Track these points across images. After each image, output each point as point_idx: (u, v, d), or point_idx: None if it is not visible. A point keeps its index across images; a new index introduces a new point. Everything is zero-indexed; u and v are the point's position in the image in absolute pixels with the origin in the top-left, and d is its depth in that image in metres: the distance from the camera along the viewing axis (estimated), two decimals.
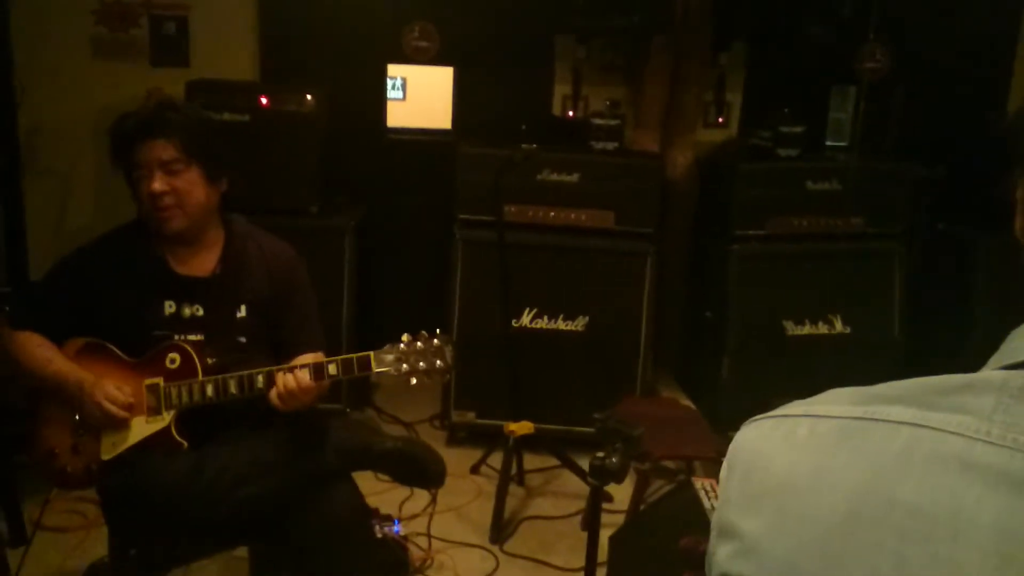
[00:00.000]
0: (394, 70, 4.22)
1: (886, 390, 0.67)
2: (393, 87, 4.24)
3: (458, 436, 3.83)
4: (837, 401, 0.69)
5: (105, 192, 4.13)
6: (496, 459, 3.50)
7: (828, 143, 4.23)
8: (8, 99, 3.78)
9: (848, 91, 4.25)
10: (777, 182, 3.73)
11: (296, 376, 2.09)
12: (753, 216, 3.73)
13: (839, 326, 3.79)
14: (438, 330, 2.17)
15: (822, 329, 3.78)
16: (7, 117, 3.78)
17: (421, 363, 2.12)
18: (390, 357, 2.12)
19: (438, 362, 2.13)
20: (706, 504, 2.03)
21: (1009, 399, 0.61)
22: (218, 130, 2.30)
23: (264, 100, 3.66)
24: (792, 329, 3.77)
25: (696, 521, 1.96)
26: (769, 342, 3.76)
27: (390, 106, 4.26)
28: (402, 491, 3.32)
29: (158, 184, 2.12)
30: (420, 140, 4.30)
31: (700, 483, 2.12)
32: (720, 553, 0.72)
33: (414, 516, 3.24)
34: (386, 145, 4.25)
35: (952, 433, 0.60)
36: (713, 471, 2.85)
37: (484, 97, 4.22)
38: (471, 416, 3.77)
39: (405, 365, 2.12)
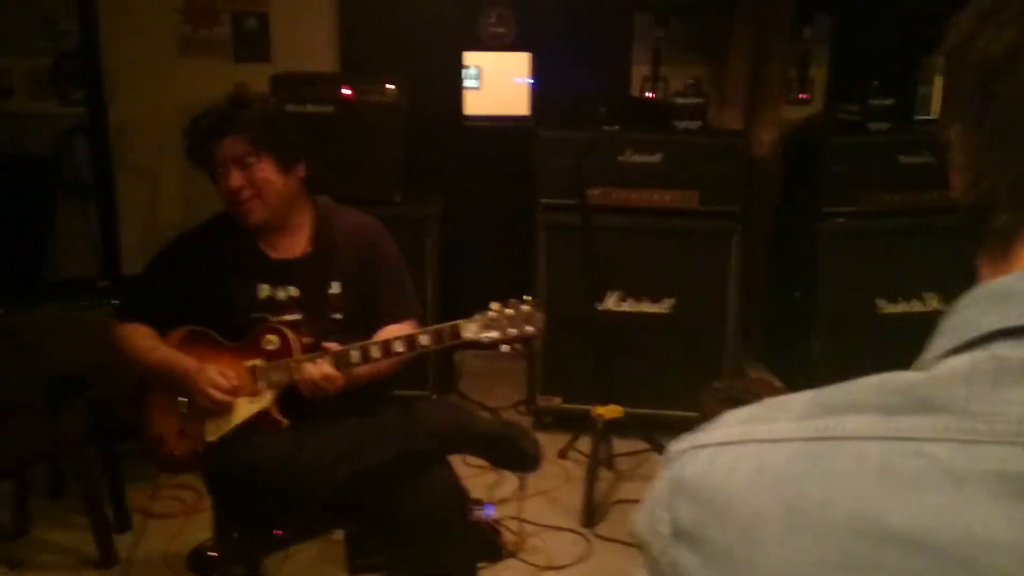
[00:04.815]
0: (469, 59, 4.21)
1: (831, 397, 0.56)
2: (468, 76, 4.24)
3: (544, 421, 3.81)
4: (776, 417, 0.57)
5: (193, 187, 4.22)
6: (583, 443, 3.49)
7: (917, 117, 4.10)
8: (99, 98, 3.88)
9: (939, 62, 4.12)
10: (868, 157, 3.62)
11: (318, 365, 2.13)
12: (843, 192, 3.64)
13: (934, 303, 3.67)
14: (526, 296, 2.17)
15: (916, 307, 3.67)
16: (99, 115, 3.88)
17: (511, 328, 2.12)
18: (479, 324, 2.12)
19: (527, 327, 2.13)
20: None
21: (982, 386, 0.51)
22: (289, 119, 2.34)
23: (347, 91, 3.69)
24: (885, 307, 3.67)
25: None
26: (862, 321, 3.66)
27: (466, 95, 4.26)
28: (490, 476, 3.33)
29: (234, 180, 2.19)
30: (497, 127, 4.30)
31: None
32: None
33: (504, 501, 3.24)
34: (464, 133, 4.26)
35: (930, 440, 0.50)
36: None
37: (562, 81, 4.19)
38: (557, 401, 3.75)
39: (495, 332, 2.12)
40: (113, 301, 3.24)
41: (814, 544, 0.51)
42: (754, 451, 0.57)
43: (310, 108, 3.62)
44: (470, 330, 2.12)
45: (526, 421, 3.84)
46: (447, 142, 4.26)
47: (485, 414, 3.91)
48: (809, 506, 0.52)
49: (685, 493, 0.60)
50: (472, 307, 2.18)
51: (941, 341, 0.56)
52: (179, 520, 3.11)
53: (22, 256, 4.02)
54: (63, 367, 3.14)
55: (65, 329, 3.24)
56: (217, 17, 4.24)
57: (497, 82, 4.25)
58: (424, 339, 2.14)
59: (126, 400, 2.43)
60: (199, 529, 2.97)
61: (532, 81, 4.17)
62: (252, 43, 4.25)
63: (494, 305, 2.14)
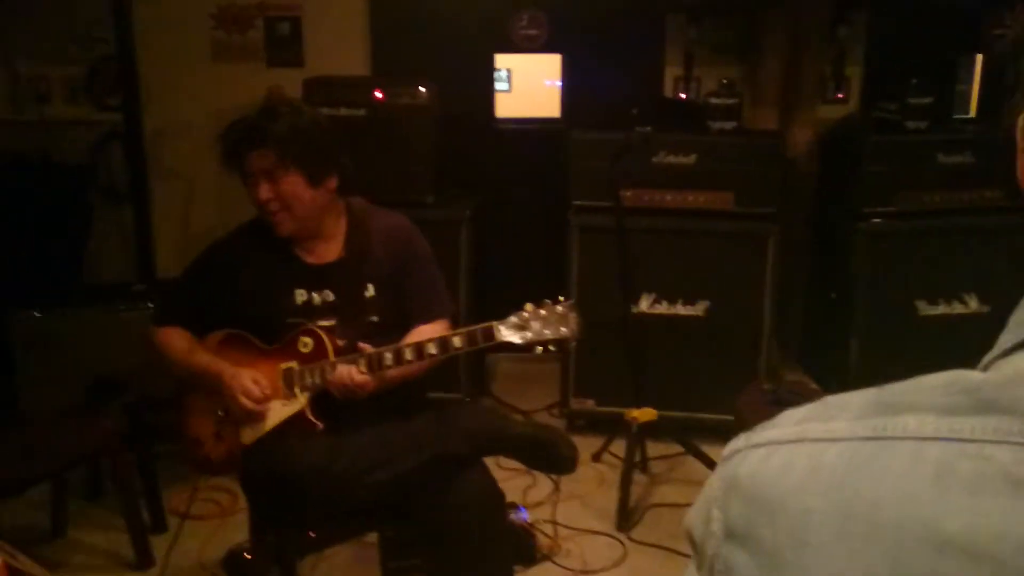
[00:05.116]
0: (499, 61, 4.20)
1: (892, 395, 0.53)
2: (498, 79, 4.23)
3: (577, 424, 3.79)
4: (834, 415, 0.55)
5: (227, 192, 4.22)
6: (617, 446, 3.46)
7: (955, 116, 4.04)
8: (135, 104, 3.92)
9: (975, 60, 4.05)
10: (906, 156, 3.57)
11: (350, 369, 2.12)
12: (881, 192, 3.58)
13: (975, 305, 3.61)
14: (561, 297, 2.13)
15: (957, 308, 3.61)
16: (134, 121, 3.91)
17: (546, 331, 2.09)
18: (513, 326, 2.09)
19: (563, 329, 2.09)
20: None
21: None
22: (321, 130, 2.26)
23: (379, 94, 3.69)
24: (925, 309, 3.61)
25: None
26: (900, 323, 3.61)
27: (496, 98, 4.25)
28: (524, 479, 3.31)
29: (263, 192, 2.19)
30: (528, 129, 4.28)
31: None
32: None
33: (538, 504, 3.22)
34: (495, 135, 4.25)
35: (991, 442, 0.48)
36: None
37: (593, 83, 4.17)
38: (590, 404, 3.73)
39: (529, 333, 2.09)
40: (149, 305, 3.27)
41: (864, 548, 0.49)
42: (809, 450, 0.55)
43: (343, 112, 3.62)
44: (504, 332, 2.09)
45: (559, 424, 3.82)
46: (479, 145, 4.26)
47: (518, 417, 3.90)
48: (860, 508, 0.50)
49: (738, 492, 0.58)
50: (505, 309, 2.15)
51: (1007, 337, 0.54)
52: (215, 522, 3.13)
53: (59, 261, 4.06)
54: (100, 370, 3.17)
55: (102, 332, 3.28)
56: (250, 22, 4.27)
57: (527, 84, 4.23)
58: (457, 341, 2.12)
59: (163, 403, 2.44)
60: (235, 531, 2.98)
61: (562, 83, 4.15)
62: (285, 47, 4.27)
63: (528, 306, 2.11)
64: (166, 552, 2.58)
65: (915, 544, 0.47)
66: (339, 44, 4.29)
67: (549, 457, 2.27)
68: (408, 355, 2.14)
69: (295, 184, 2.20)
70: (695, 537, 0.62)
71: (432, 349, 2.13)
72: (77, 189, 4.23)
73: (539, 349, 2.11)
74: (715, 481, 0.61)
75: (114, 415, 2.94)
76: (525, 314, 2.10)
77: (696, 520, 0.62)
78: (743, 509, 0.57)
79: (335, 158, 2.27)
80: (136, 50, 3.93)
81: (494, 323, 2.10)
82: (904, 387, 0.54)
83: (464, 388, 3.83)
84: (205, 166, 4.28)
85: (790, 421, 0.58)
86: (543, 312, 2.10)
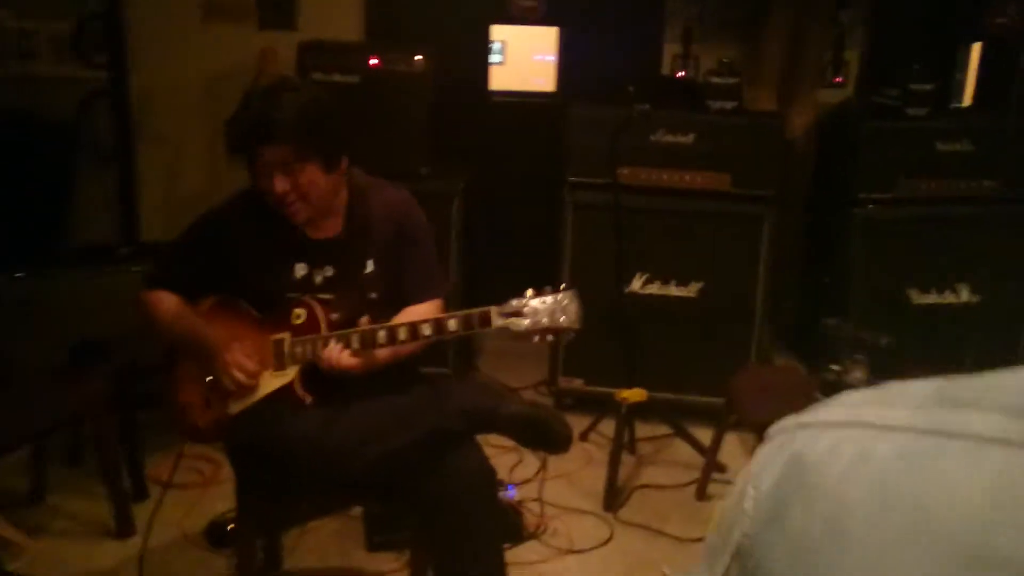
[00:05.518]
0: (495, 32, 4.13)
1: (957, 388, 0.49)
2: (492, 51, 4.16)
3: (565, 403, 3.77)
4: (893, 402, 0.51)
5: (215, 155, 4.17)
6: (605, 426, 3.44)
7: (953, 104, 4.02)
8: (122, 63, 3.83)
9: (972, 48, 4.03)
10: (905, 143, 3.55)
11: (339, 346, 2.08)
12: (878, 178, 3.57)
13: (966, 295, 3.60)
14: (563, 284, 2.06)
15: (949, 298, 3.60)
16: (121, 80, 3.82)
17: (545, 320, 2.02)
18: (511, 313, 2.02)
19: (563, 318, 2.03)
20: None
21: None
22: (330, 112, 2.18)
23: (374, 61, 3.62)
24: (917, 297, 3.60)
25: None
26: (892, 310, 3.60)
27: (490, 70, 4.18)
28: (511, 456, 3.28)
29: (279, 185, 2.10)
30: (522, 103, 4.22)
31: None
32: None
33: (525, 482, 3.20)
34: (489, 108, 4.18)
35: None
36: None
37: (589, 57, 4.12)
38: (579, 383, 3.71)
39: (527, 321, 2.02)
40: (134, 268, 3.21)
41: (901, 554, 0.45)
42: (860, 436, 0.51)
43: (336, 77, 3.55)
44: (500, 319, 2.02)
45: (547, 402, 3.79)
46: (472, 116, 4.19)
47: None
48: (904, 510, 0.46)
49: (777, 471, 0.54)
50: (497, 285, 2.08)
51: None
52: (197, 491, 3.09)
53: (42, 221, 3.97)
54: (83, 333, 3.10)
55: (86, 295, 3.21)
56: None
57: (522, 57, 4.17)
58: (452, 324, 2.06)
59: (148, 369, 2.39)
60: (217, 501, 2.95)
61: (558, 56, 4.08)
62: (277, 9, 4.17)
63: (528, 291, 2.03)
64: (148, 520, 2.53)
65: (958, 558, 0.43)
66: (332, 7, 4.20)
67: (543, 436, 2.23)
68: (402, 334, 2.09)
69: (313, 173, 2.12)
70: (727, 517, 0.58)
71: (426, 330, 2.08)
72: (61, 148, 4.14)
73: (536, 339, 2.05)
74: (755, 460, 0.58)
75: (97, 379, 2.88)
76: (523, 300, 2.02)
77: (730, 502, 0.58)
78: (780, 490, 0.53)
79: (347, 139, 2.21)
80: (124, 7, 3.83)
81: (491, 308, 2.03)
82: (975, 381, 0.49)
83: (451, 363, 3.79)
84: (192, 128, 4.22)
85: (847, 403, 0.54)
86: (542, 299, 2.02)
